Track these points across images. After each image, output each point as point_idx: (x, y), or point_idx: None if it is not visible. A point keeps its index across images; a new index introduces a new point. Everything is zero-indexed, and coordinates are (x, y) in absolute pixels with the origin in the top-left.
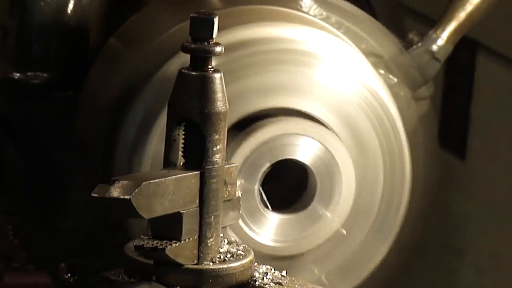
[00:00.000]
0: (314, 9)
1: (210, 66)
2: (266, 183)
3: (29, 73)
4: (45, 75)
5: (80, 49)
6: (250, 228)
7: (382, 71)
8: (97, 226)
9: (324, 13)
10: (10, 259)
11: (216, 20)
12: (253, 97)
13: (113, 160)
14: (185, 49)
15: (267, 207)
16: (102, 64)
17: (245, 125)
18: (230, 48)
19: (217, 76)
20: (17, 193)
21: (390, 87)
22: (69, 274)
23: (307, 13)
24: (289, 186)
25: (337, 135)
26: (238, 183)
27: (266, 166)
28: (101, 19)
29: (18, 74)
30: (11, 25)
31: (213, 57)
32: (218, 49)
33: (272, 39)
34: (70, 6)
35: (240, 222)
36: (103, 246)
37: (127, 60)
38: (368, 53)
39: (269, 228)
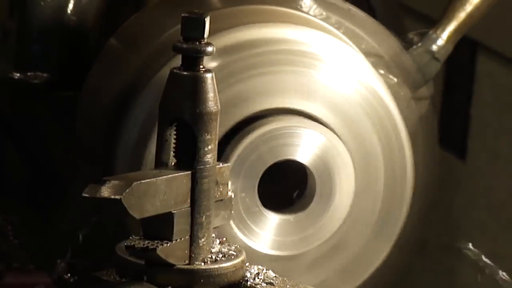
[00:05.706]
0: (314, 9)
1: (201, 66)
2: (266, 183)
3: (29, 73)
4: (45, 75)
5: (80, 49)
6: (249, 229)
7: (382, 71)
8: (97, 226)
9: (324, 13)
10: (10, 259)
11: (207, 20)
12: (256, 98)
13: (114, 161)
14: (176, 49)
15: (266, 207)
16: (102, 64)
17: (247, 126)
18: (232, 49)
19: (208, 76)
20: (17, 193)
21: (390, 87)
22: (69, 274)
23: (307, 13)
24: (289, 186)
25: (338, 136)
26: (239, 183)
27: (265, 166)
28: (101, 19)
29: (18, 74)
30: (11, 25)
31: (212, 58)
32: (209, 49)
33: (274, 41)
34: (70, 6)
35: (239, 222)
36: (102, 246)
37: (128, 60)
38: (368, 53)
39: (268, 228)
